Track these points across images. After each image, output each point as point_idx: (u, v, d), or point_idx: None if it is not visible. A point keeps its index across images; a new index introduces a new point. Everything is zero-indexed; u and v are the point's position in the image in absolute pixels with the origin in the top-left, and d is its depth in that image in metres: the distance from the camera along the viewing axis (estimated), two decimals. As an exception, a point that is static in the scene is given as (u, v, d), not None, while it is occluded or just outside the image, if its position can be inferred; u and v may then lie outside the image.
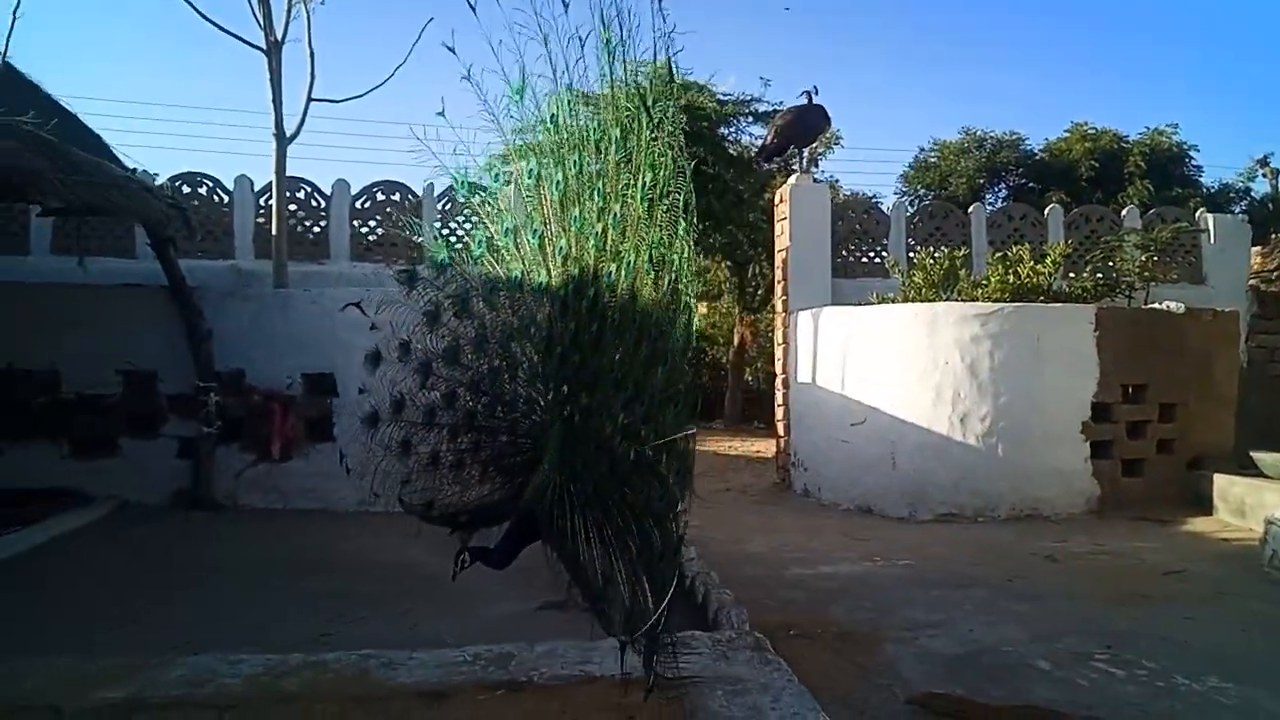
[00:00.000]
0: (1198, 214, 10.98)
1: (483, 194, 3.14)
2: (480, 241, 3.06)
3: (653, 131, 2.92)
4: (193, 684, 2.92)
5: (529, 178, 3.02)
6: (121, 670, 3.00)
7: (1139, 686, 3.38)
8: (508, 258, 3.03)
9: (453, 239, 9.92)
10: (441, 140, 2.94)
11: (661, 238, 2.93)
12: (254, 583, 4.85)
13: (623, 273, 2.91)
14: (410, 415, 3.00)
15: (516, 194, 3.07)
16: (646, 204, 2.92)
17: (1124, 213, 10.76)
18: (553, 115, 3.01)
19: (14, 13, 6.38)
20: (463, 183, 3.12)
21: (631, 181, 2.92)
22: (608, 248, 2.92)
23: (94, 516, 6.27)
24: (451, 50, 2.87)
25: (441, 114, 2.90)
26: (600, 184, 2.96)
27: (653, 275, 2.92)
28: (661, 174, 2.92)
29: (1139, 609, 4.41)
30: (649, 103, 2.92)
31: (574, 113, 3.03)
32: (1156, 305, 7.89)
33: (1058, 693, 3.30)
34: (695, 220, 2.97)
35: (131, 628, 4.07)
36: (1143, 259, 9.12)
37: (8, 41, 6.48)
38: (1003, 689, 3.32)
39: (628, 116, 2.96)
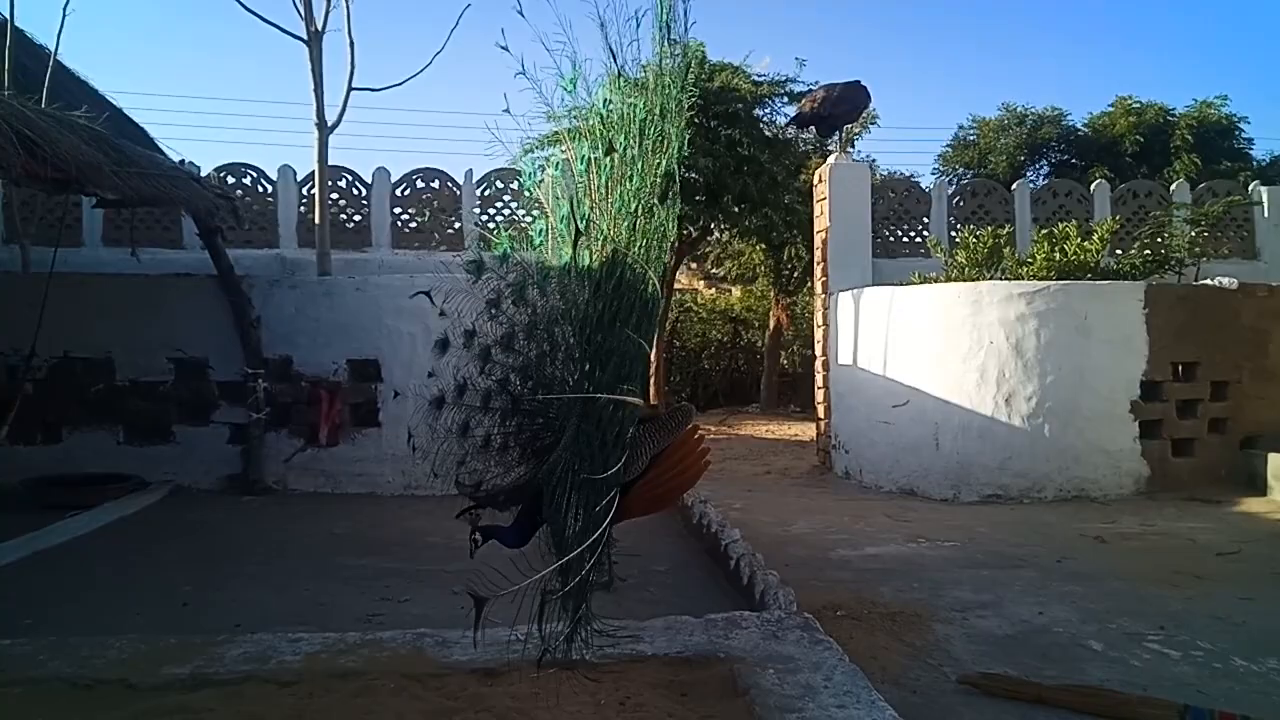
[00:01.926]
0: (1250, 187, 10.68)
1: (548, 182, 3.20)
2: (540, 230, 3.13)
3: (678, 110, 2.98)
4: (255, 661, 3.00)
5: (581, 164, 3.06)
6: (187, 647, 3.10)
7: (1195, 667, 3.34)
8: (561, 244, 3.09)
9: (491, 225, 10.01)
10: (500, 129, 2.98)
11: (666, 214, 3.02)
12: (304, 564, 4.95)
13: (642, 251, 2.99)
14: (470, 399, 3.09)
15: (570, 179, 3.12)
16: (663, 182, 2.99)
17: (1173, 187, 10.52)
18: (605, 100, 3.05)
19: (64, 9, 6.50)
20: (530, 174, 3.20)
21: (660, 162, 2.98)
22: (637, 228, 2.98)
23: (150, 500, 6.45)
24: (505, 49, 2.91)
25: (507, 110, 2.96)
26: (640, 165, 3.00)
27: (656, 252, 3.02)
28: (674, 152, 2.99)
29: (1192, 590, 4.34)
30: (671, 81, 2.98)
31: (624, 96, 3.07)
32: (1208, 281, 7.71)
33: (1112, 673, 3.27)
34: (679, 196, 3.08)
35: (190, 607, 4.18)
36: (1193, 234, 8.91)
37: (59, 39, 6.61)
38: (1055, 669, 3.30)
39: (667, 98, 3.00)
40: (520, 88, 2.95)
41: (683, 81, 3.03)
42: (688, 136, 3.04)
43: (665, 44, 2.97)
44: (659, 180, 2.99)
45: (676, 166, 3.02)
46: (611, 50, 2.95)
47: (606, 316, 2.94)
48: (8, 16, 6.62)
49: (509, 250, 3.14)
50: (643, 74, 3.09)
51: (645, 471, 3.56)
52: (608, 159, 3.04)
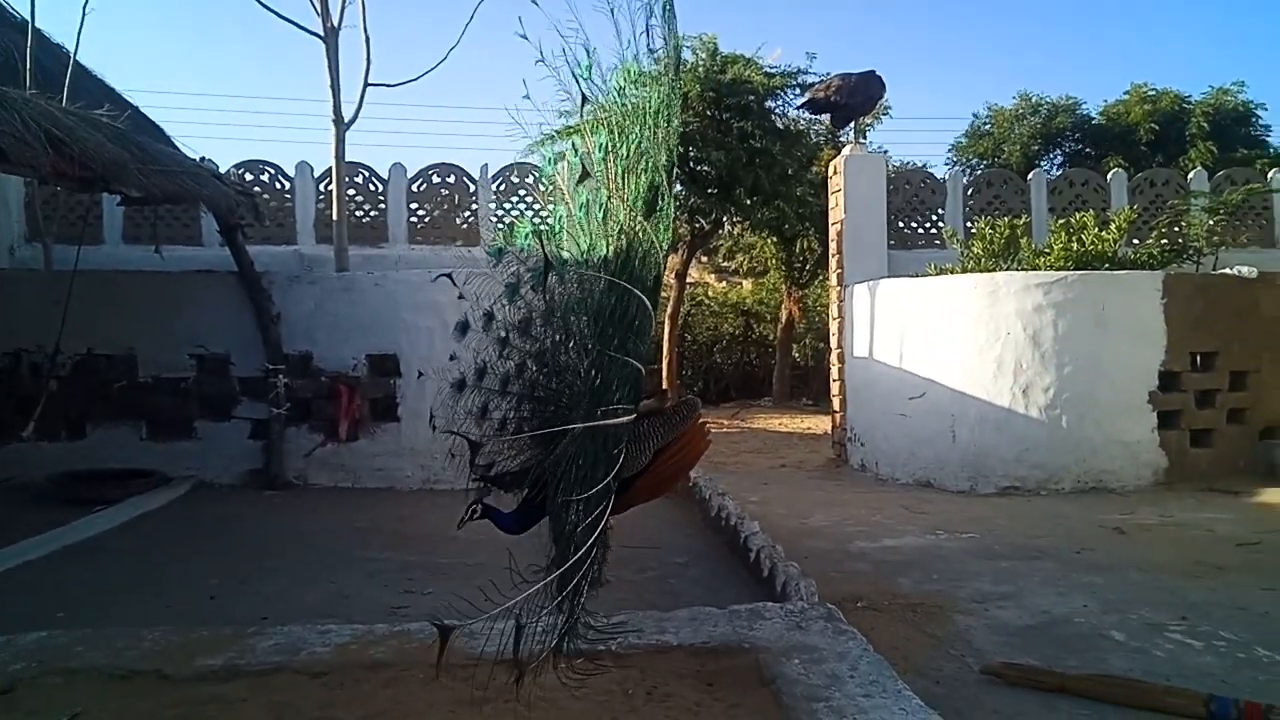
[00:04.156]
0: (1270, 175, 10.59)
1: (566, 168, 3.23)
2: (560, 218, 3.16)
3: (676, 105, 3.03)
4: (286, 652, 3.04)
5: (599, 151, 3.08)
6: (219, 639, 3.14)
7: (1218, 657, 3.35)
8: (579, 233, 3.12)
9: (507, 220, 10.04)
10: (518, 119, 3.00)
11: (667, 222, 3.07)
12: (327, 558, 5.00)
13: (651, 242, 3.02)
14: (489, 383, 3.14)
15: (590, 167, 3.15)
16: (666, 172, 3.03)
17: (1190, 176, 10.44)
18: (621, 89, 3.08)
19: (84, 9, 6.53)
20: (550, 161, 3.23)
21: (669, 151, 3.02)
22: (649, 219, 3.03)
23: (173, 496, 6.52)
24: (525, 38, 2.93)
25: (527, 97, 2.97)
26: (651, 153, 3.04)
27: (664, 245, 3.06)
28: (672, 145, 3.04)
29: (1213, 580, 4.34)
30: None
31: (640, 85, 3.09)
32: (1227, 270, 7.67)
33: (1134, 663, 3.29)
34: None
35: (217, 600, 4.24)
36: (1211, 223, 8.85)
37: (78, 38, 6.65)
38: (1077, 659, 3.32)
39: (680, 86, 3.04)
40: (538, 76, 2.97)
41: (675, 72, 3.07)
42: (679, 134, 3.09)
43: (670, 30, 3.00)
44: (662, 173, 3.03)
45: (674, 158, 3.06)
46: (619, 36, 2.98)
47: (618, 310, 2.96)
48: (28, 18, 6.67)
49: (531, 238, 3.17)
50: (654, 64, 3.12)
51: (650, 464, 3.62)
52: (624, 148, 3.07)
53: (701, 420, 3.80)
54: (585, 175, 3.08)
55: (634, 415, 3.04)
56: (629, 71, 3.10)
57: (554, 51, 2.94)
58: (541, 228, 3.27)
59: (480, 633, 3.16)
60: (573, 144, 3.22)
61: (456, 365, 3.19)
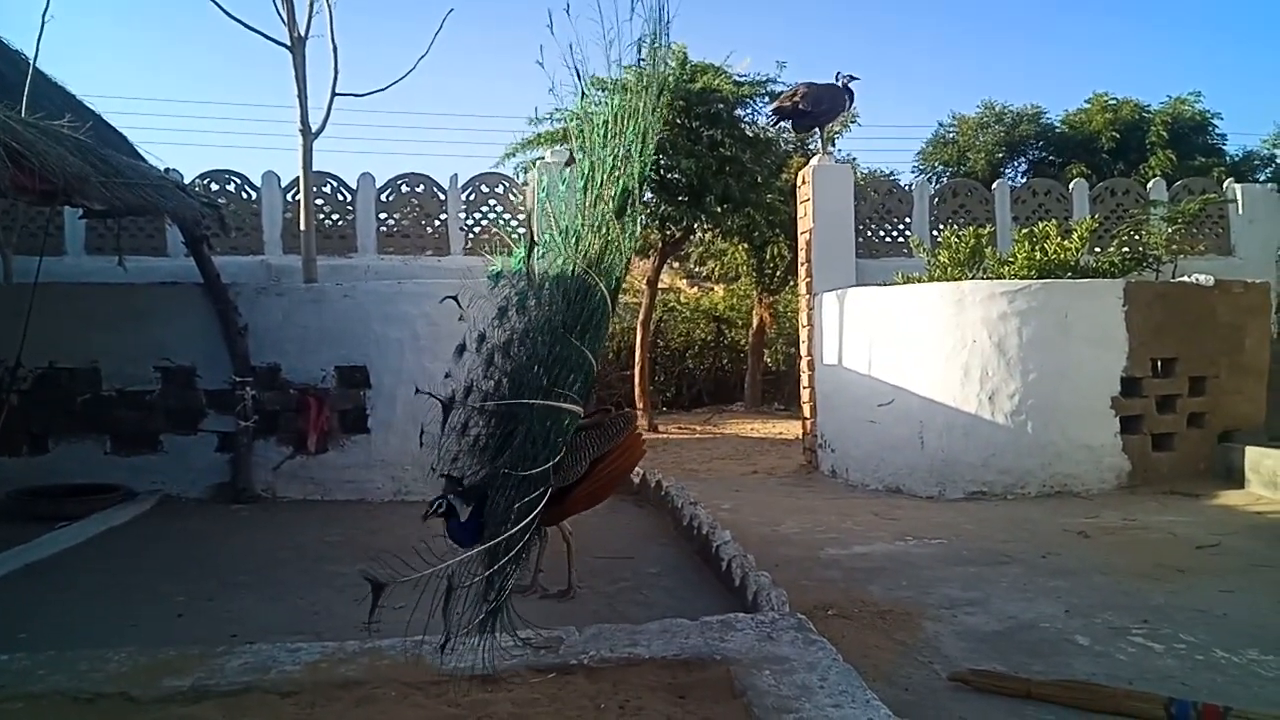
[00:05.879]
0: (1225, 184, 10.86)
1: (559, 193, 3.31)
2: (545, 244, 3.23)
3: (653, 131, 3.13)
4: (256, 671, 3.01)
5: (581, 179, 3.15)
6: (186, 659, 3.10)
7: (1178, 660, 3.42)
8: (557, 255, 3.18)
9: (477, 230, 10.03)
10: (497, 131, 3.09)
11: (627, 228, 3.18)
12: (297, 573, 4.94)
13: (611, 260, 3.13)
14: (474, 400, 3.21)
15: (571, 194, 3.22)
16: (629, 195, 3.13)
17: (1150, 185, 10.68)
18: (605, 120, 3.15)
19: (44, 16, 6.42)
20: (547, 190, 3.33)
21: (635, 173, 3.10)
22: (609, 241, 3.09)
23: (139, 511, 6.41)
24: (541, 65, 3.01)
25: (532, 119, 3.07)
26: (622, 176, 3.11)
27: (619, 265, 3.19)
28: (638, 170, 3.14)
29: (1174, 583, 4.44)
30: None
31: (612, 107, 3.15)
32: (1185, 278, 7.85)
33: (1098, 667, 3.35)
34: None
35: (184, 618, 4.18)
36: (1170, 232, 9.06)
37: (38, 46, 6.53)
38: (1043, 664, 3.38)
39: (649, 122, 3.13)
40: (519, 83, 3.05)
41: (657, 100, 3.15)
42: (652, 155, 3.19)
43: (655, 53, 3.07)
44: (623, 195, 3.11)
45: (638, 185, 3.15)
46: (608, 61, 3.06)
47: (566, 325, 3.05)
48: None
49: (521, 261, 3.27)
50: (631, 82, 3.19)
51: (586, 473, 3.71)
52: (598, 173, 3.14)
53: (636, 431, 3.93)
54: (570, 160, 3.18)
55: (580, 405, 3.12)
56: (613, 92, 3.19)
57: (532, 73, 3.01)
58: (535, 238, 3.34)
59: (449, 651, 3.18)
60: (571, 152, 3.35)
61: (449, 383, 3.29)
